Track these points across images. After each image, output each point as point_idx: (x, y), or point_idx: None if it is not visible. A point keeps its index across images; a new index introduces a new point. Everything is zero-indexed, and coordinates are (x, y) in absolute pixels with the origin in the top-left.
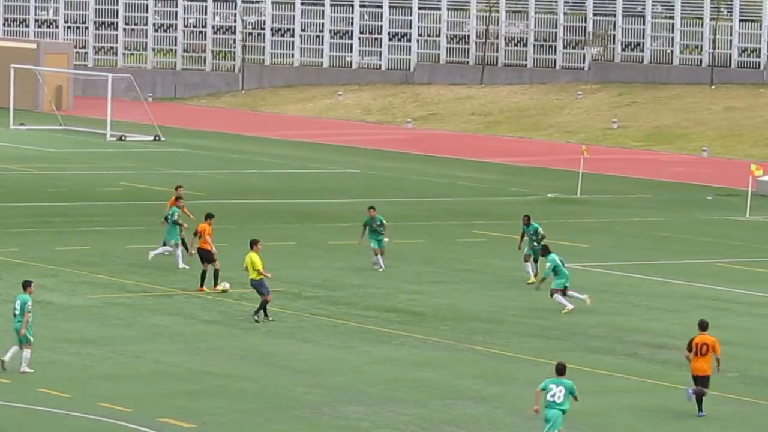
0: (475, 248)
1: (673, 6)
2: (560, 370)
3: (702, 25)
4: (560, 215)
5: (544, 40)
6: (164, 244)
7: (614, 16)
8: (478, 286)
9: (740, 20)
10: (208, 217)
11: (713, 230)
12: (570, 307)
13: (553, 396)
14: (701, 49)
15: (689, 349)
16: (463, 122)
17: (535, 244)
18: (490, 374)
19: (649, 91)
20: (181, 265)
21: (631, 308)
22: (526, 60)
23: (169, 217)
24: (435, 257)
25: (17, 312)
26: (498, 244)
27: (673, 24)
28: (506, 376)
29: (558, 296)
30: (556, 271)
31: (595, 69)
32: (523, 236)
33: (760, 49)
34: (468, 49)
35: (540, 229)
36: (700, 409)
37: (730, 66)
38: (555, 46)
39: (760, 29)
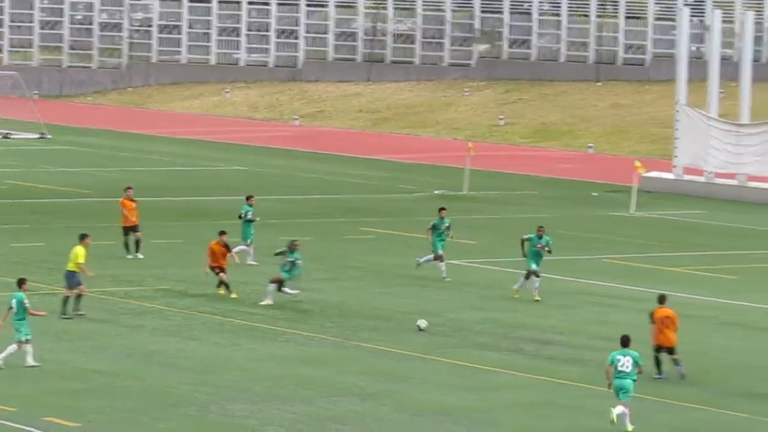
0: (363, 245)
1: (559, 3)
2: (625, 342)
3: (588, 23)
4: (447, 212)
5: (432, 38)
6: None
7: (501, 13)
8: (365, 283)
9: (626, 17)
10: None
11: (599, 226)
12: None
13: (622, 366)
14: (587, 47)
15: (652, 321)
16: (350, 119)
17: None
18: (377, 371)
19: (536, 88)
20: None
21: (517, 304)
22: (413, 57)
23: (243, 215)
24: (322, 254)
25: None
26: (385, 241)
27: (559, 21)
28: (392, 373)
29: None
30: None
31: (482, 66)
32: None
33: (645, 46)
34: (355, 46)
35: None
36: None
37: (615, 63)
38: (442, 44)
39: (646, 26)
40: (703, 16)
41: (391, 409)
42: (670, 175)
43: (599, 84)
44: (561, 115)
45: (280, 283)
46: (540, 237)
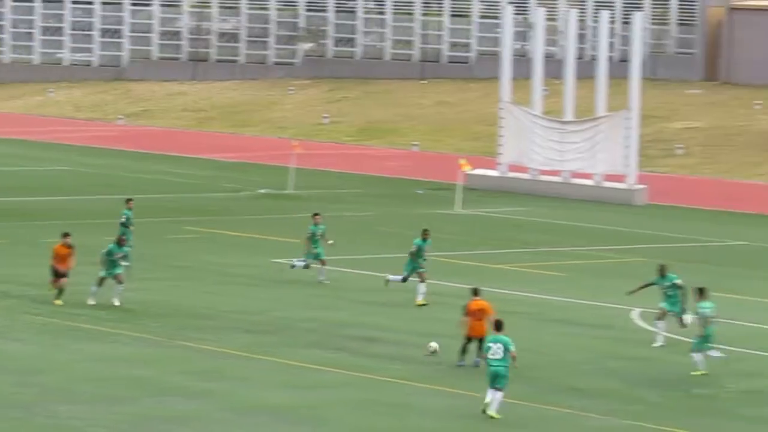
0: (186, 244)
1: (384, 2)
2: (498, 326)
3: (413, 21)
4: (272, 211)
5: (257, 36)
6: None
7: (326, 11)
8: (190, 283)
9: (451, 16)
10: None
11: (424, 224)
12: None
13: (494, 354)
14: (412, 45)
15: (466, 314)
16: (175, 118)
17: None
18: (202, 370)
19: (361, 87)
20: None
21: (342, 303)
22: (238, 56)
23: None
24: (146, 253)
25: None
26: (209, 241)
27: (384, 20)
28: (218, 372)
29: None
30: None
31: (307, 64)
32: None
33: (469, 44)
34: (180, 45)
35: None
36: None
37: (440, 61)
38: (267, 42)
39: (470, 25)
40: (527, 14)
41: (216, 407)
42: (495, 173)
43: (424, 82)
44: (386, 113)
45: (100, 283)
46: (425, 240)
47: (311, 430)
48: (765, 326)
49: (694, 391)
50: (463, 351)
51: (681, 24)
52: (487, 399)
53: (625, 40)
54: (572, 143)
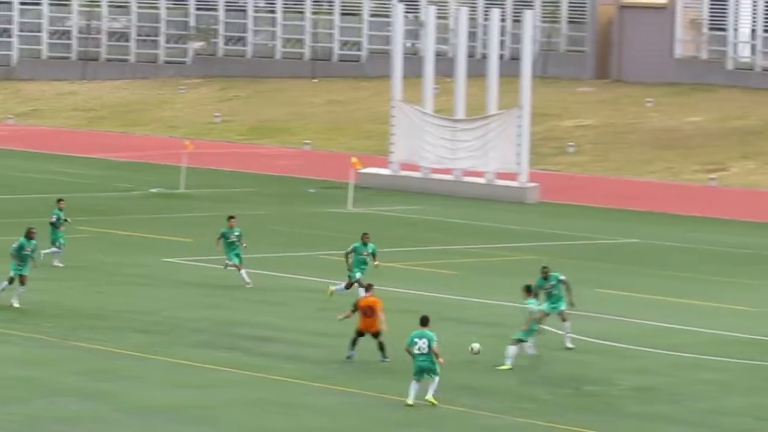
0: (79, 244)
1: (274, 1)
2: (424, 321)
3: (303, 19)
4: (163, 210)
5: (147, 35)
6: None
7: (216, 10)
8: (82, 283)
9: (341, 14)
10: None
11: (316, 223)
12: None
13: (419, 349)
14: (303, 43)
15: (355, 310)
16: (65, 118)
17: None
18: (94, 370)
19: (252, 85)
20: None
21: (234, 302)
22: (128, 55)
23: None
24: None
25: None
26: (101, 240)
27: (274, 18)
28: (110, 372)
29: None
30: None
31: (198, 63)
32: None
33: (360, 42)
34: (70, 44)
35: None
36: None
37: (331, 60)
38: (157, 41)
39: (361, 23)
40: (417, 12)
41: (109, 408)
42: (386, 171)
43: (315, 81)
44: (277, 112)
45: (10, 281)
46: (365, 244)
47: (202, 431)
48: (655, 323)
49: (586, 388)
50: (353, 343)
51: (572, 22)
52: (411, 392)
53: (516, 38)
54: (464, 141)
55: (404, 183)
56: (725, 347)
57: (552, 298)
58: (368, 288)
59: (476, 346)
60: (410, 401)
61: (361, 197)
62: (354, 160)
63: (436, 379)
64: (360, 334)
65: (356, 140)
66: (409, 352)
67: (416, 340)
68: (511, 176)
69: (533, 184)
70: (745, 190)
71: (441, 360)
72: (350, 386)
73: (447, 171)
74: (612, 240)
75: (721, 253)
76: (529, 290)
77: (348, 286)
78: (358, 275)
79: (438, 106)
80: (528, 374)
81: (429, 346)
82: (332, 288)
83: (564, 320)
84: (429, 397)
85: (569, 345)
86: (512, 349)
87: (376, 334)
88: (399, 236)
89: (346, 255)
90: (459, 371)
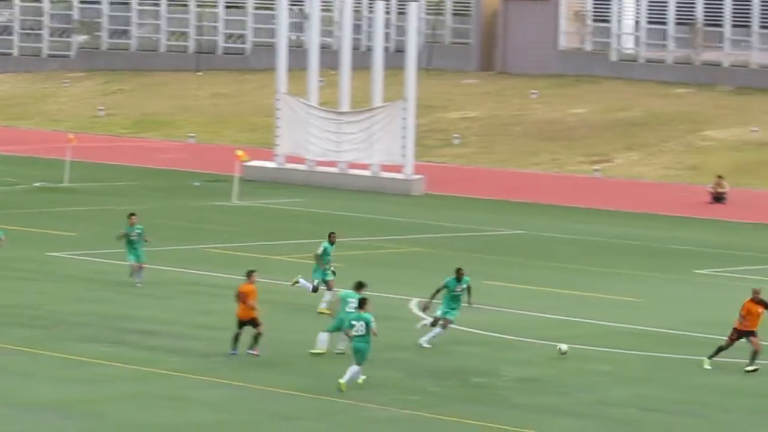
0: None
1: None
2: (361, 304)
3: (188, 12)
4: (47, 204)
5: (30, 29)
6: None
7: (100, 3)
8: None
9: (226, 7)
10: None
11: (201, 216)
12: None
13: (356, 330)
14: (187, 36)
15: (238, 299)
16: None
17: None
18: None
19: (136, 79)
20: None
21: (120, 296)
22: (11, 48)
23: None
24: None
25: None
26: None
27: (158, 11)
28: None
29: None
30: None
31: (82, 57)
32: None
33: (245, 35)
34: None
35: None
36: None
37: (215, 53)
38: (41, 35)
39: (245, 16)
40: (302, 5)
41: None
42: (272, 164)
43: (200, 74)
44: (162, 106)
45: None
46: (332, 243)
47: (89, 425)
48: (541, 315)
49: (472, 380)
50: (236, 339)
51: (456, 14)
52: (348, 375)
53: (401, 31)
54: (349, 134)
55: (289, 176)
56: (611, 338)
57: (454, 301)
58: (249, 274)
59: (564, 347)
60: (343, 381)
61: (247, 190)
62: (239, 153)
63: (357, 368)
64: (240, 324)
65: (241, 133)
66: (347, 335)
67: (354, 322)
68: (397, 168)
69: (418, 177)
70: (629, 181)
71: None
72: (236, 379)
73: (332, 164)
74: (498, 232)
75: (606, 244)
76: (360, 287)
77: (314, 289)
78: (329, 277)
79: (323, 99)
80: (414, 366)
81: (367, 328)
82: (299, 280)
83: (444, 327)
84: (342, 382)
85: (426, 344)
86: (323, 335)
87: (253, 324)
88: (284, 229)
89: (317, 256)
90: (344, 364)
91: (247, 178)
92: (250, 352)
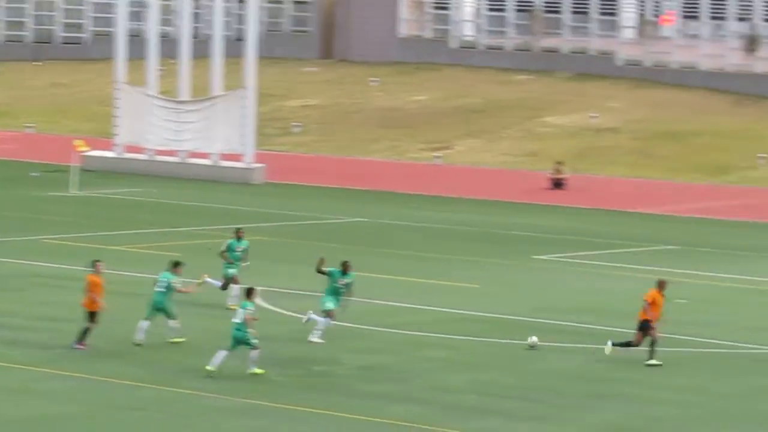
0: None
1: None
2: (248, 293)
3: (25, 2)
4: None
5: None
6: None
7: None
8: None
9: None
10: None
11: (39, 207)
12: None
13: (236, 318)
14: (25, 26)
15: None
16: None
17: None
18: None
19: None
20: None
21: None
22: None
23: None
24: None
25: None
26: None
27: None
28: None
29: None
30: None
31: None
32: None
33: (84, 24)
34: None
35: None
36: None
37: (53, 42)
38: None
39: (84, 5)
40: None
41: None
42: (111, 154)
43: (38, 63)
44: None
45: None
46: (239, 239)
47: None
48: (382, 302)
49: (313, 368)
50: (84, 332)
51: (296, 2)
52: (215, 359)
53: (241, 19)
54: (189, 123)
55: (129, 165)
56: (450, 325)
57: (336, 293)
58: (94, 264)
59: (533, 339)
60: (210, 367)
61: (86, 180)
62: (77, 142)
63: (255, 351)
64: (91, 317)
65: (81, 123)
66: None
67: (239, 309)
68: (237, 157)
69: (259, 165)
70: (469, 168)
71: (252, 330)
72: (77, 371)
73: (172, 153)
74: (339, 219)
75: (446, 231)
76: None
77: (224, 286)
78: (231, 272)
79: (163, 88)
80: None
81: (243, 317)
82: (206, 278)
83: (333, 320)
84: (253, 370)
85: (318, 340)
86: (144, 324)
87: (92, 315)
88: (124, 219)
89: (221, 253)
90: (186, 354)
91: (86, 168)
92: (76, 346)
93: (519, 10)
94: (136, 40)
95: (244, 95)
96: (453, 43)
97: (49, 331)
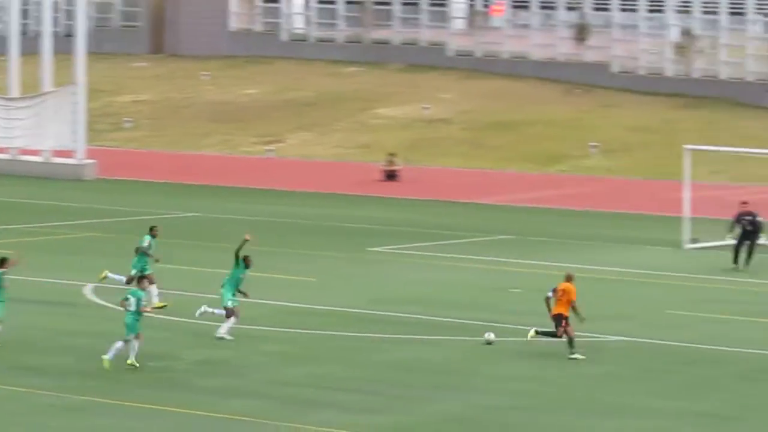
0: None
1: None
2: (139, 280)
3: None
4: None
5: None
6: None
7: None
8: None
9: None
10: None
11: None
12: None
13: (129, 305)
14: None
15: None
16: None
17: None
18: None
19: None
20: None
21: None
22: None
23: None
24: None
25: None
26: None
27: None
28: None
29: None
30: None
31: None
32: None
33: None
34: None
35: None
36: None
37: None
38: None
39: None
40: None
41: None
42: None
43: None
44: None
45: None
46: (153, 237)
47: None
48: (217, 297)
49: (150, 364)
50: None
51: None
52: (111, 350)
53: (70, 15)
54: (19, 120)
55: None
56: (287, 318)
57: (236, 288)
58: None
59: (490, 336)
60: (106, 356)
61: None
62: None
63: (136, 341)
64: None
65: None
66: (123, 306)
67: (129, 296)
68: (68, 154)
69: (90, 161)
70: (302, 161)
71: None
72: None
73: (2, 150)
74: (172, 214)
75: (280, 224)
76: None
77: (129, 281)
78: (144, 269)
79: None
80: (91, 352)
81: (137, 305)
82: (106, 273)
83: (235, 315)
84: (132, 360)
85: (228, 336)
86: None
87: None
88: None
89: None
90: (18, 351)
91: None
92: None
93: (349, 2)
94: None
95: (74, 91)
96: (284, 36)
97: None
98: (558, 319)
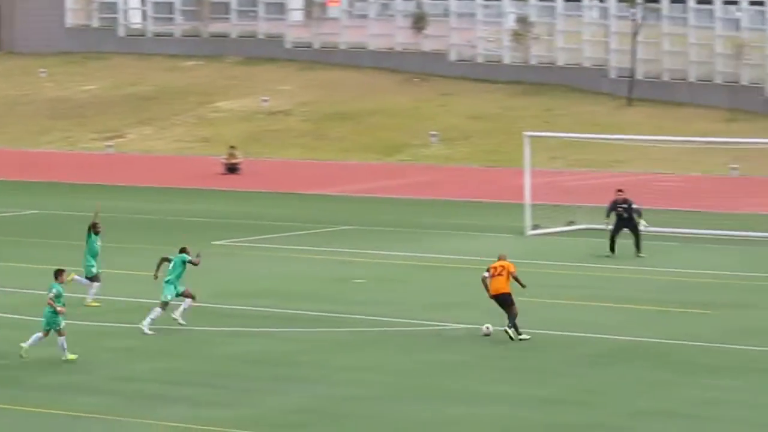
0: None
1: None
2: (56, 274)
3: None
4: None
5: None
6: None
7: None
8: None
9: None
10: None
11: None
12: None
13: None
14: None
15: None
16: None
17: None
18: None
19: None
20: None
21: None
22: None
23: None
24: None
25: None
26: None
27: None
28: None
29: None
30: None
31: None
32: None
33: None
34: None
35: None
36: None
37: None
38: None
39: None
40: None
41: None
42: None
43: None
44: None
45: None
46: (96, 234)
47: None
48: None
49: None
50: None
51: None
52: (29, 340)
53: None
54: None
55: None
56: (131, 314)
57: (177, 279)
58: None
59: (488, 327)
60: (24, 345)
61: None
62: None
63: (61, 337)
64: None
65: None
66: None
67: (52, 290)
68: None
69: None
70: (142, 156)
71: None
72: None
73: None
74: (11, 213)
75: (123, 220)
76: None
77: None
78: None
79: None
80: None
81: (57, 300)
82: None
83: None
84: (67, 356)
85: (148, 330)
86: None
87: None
88: None
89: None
90: None
91: None
92: None
93: None
94: None
95: None
96: (121, 32)
97: None
98: (506, 297)
